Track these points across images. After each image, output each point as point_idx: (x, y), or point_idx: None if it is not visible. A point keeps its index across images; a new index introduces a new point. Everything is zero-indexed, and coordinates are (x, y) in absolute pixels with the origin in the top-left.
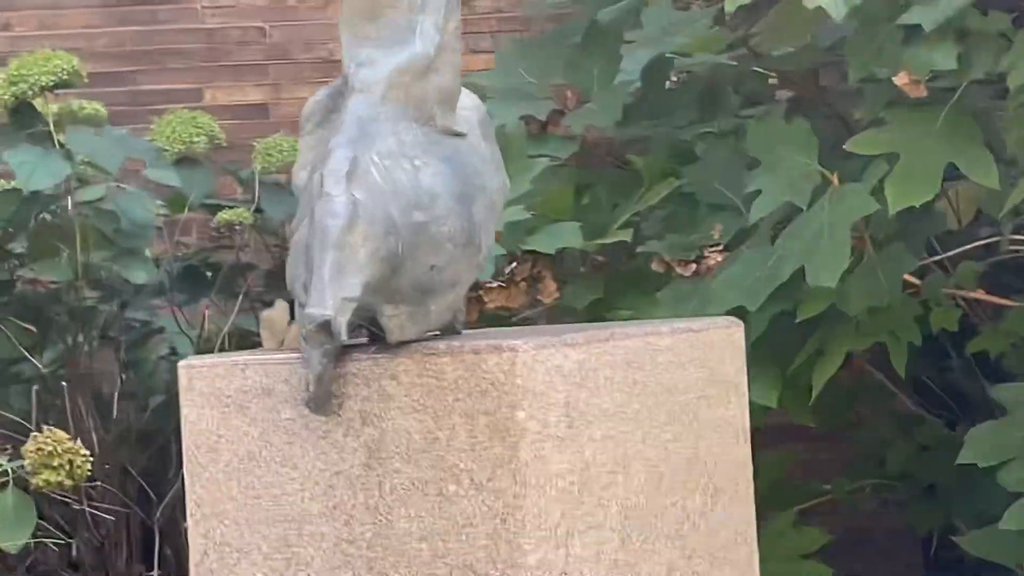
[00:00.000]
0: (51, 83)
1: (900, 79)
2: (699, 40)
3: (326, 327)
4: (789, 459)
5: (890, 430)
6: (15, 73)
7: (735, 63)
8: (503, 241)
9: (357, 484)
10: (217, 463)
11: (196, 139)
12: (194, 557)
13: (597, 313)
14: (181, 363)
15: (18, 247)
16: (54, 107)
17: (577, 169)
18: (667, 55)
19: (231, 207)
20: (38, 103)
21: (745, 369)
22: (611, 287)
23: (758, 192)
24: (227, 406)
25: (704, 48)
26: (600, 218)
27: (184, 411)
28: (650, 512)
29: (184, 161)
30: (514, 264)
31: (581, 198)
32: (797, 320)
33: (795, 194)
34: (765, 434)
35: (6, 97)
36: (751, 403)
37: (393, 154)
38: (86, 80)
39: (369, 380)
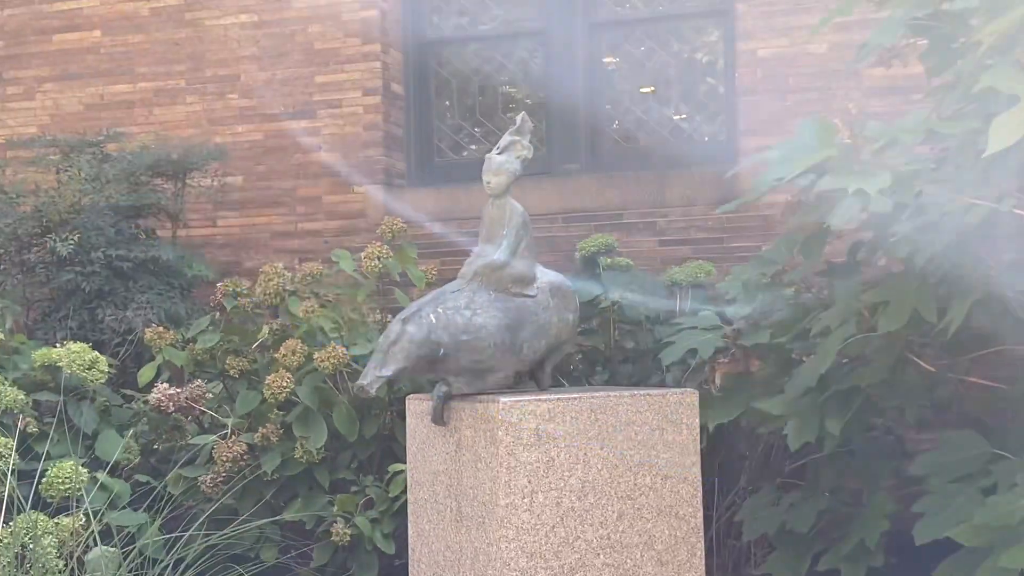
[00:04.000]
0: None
1: None
2: None
3: (363, 388)
4: None
5: None
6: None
7: None
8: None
9: (450, 459)
10: (413, 443)
11: None
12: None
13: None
14: (408, 397)
15: None
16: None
17: None
18: None
19: None
20: None
21: (697, 414)
22: None
23: None
24: (418, 417)
25: None
26: None
27: (408, 420)
28: (605, 482)
29: None
30: (733, 351)
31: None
32: None
33: None
34: None
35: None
36: None
37: (457, 307)
38: None
39: (457, 411)
